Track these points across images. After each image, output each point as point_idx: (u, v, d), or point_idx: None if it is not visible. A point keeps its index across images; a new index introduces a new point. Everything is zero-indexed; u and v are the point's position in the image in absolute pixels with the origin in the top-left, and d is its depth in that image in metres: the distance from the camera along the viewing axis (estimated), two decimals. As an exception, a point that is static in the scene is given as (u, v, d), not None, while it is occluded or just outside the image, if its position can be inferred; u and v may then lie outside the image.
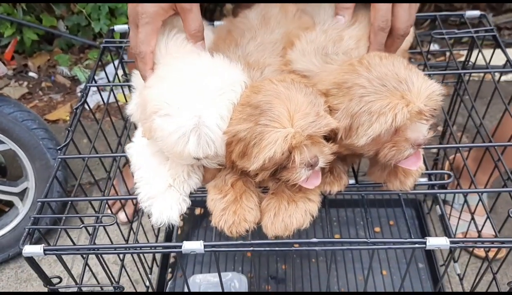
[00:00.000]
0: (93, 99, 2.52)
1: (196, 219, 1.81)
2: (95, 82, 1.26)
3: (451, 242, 0.86)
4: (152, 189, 0.92)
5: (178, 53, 0.96)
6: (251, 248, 0.89)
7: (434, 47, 2.64)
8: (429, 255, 1.63)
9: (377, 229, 1.74)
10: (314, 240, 0.88)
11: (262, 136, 0.76)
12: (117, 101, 1.58)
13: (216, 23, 1.30)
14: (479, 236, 1.22)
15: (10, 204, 1.86)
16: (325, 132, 0.79)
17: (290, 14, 1.08)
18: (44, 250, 0.90)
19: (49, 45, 2.78)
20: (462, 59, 1.42)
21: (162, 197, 0.90)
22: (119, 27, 1.37)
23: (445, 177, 1.76)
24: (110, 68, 2.27)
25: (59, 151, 1.05)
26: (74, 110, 1.14)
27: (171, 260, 1.70)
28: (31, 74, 2.67)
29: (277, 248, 0.90)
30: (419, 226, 1.75)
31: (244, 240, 0.89)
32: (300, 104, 0.77)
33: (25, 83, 2.63)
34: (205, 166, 0.91)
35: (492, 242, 0.89)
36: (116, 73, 1.38)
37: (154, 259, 1.64)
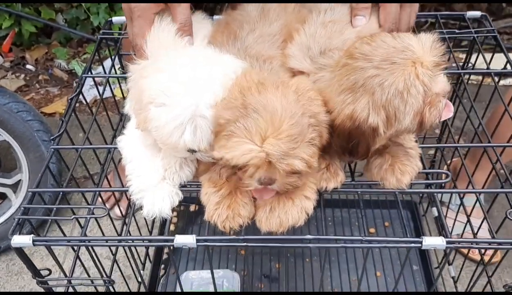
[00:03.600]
0: (90, 93, 2.51)
1: (191, 216, 1.80)
2: (91, 73, 1.24)
3: (448, 242, 0.84)
4: (144, 181, 0.90)
5: (171, 45, 0.96)
6: (244, 244, 0.87)
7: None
8: (424, 257, 1.62)
9: (372, 230, 1.73)
10: (309, 236, 0.86)
11: (232, 136, 0.76)
12: (114, 96, 1.57)
13: (215, 17, 1.28)
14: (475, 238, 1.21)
15: (3, 196, 1.84)
16: (291, 170, 0.77)
17: (290, 7, 1.07)
18: (33, 240, 0.88)
19: (47, 38, 2.76)
20: (461, 62, 1.42)
21: (154, 190, 0.89)
22: (117, 19, 1.36)
23: (442, 176, 1.75)
24: (108, 63, 2.25)
25: (52, 141, 1.03)
26: (69, 100, 1.13)
27: (164, 256, 1.69)
28: (28, 66, 2.65)
29: (270, 244, 0.89)
30: (414, 228, 1.74)
31: (237, 236, 0.87)
32: (285, 129, 0.75)
33: (22, 75, 2.61)
34: (198, 159, 0.90)
35: (489, 243, 0.88)
36: (113, 65, 1.37)
37: (147, 254, 1.62)
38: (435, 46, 0.79)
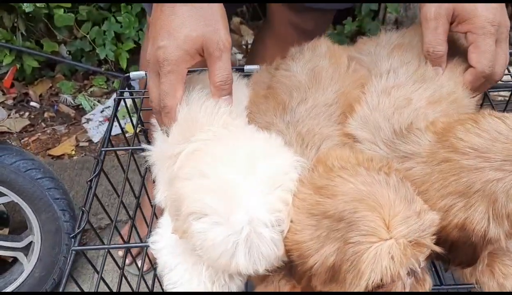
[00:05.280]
0: (99, 130, 2.36)
1: None
2: (111, 145, 1.08)
3: None
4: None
5: (211, 126, 0.79)
6: None
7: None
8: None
9: None
10: None
11: (359, 259, 0.60)
12: (123, 132, 1.39)
13: (247, 67, 1.13)
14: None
15: (14, 260, 1.69)
16: (431, 234, 0.63)
17: (343, 66, 0.91)
18: None
19: (51, 71, 2.61)
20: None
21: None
22: (136, 74, 1.20)
23: None
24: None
25: (72, 240, 0.88)
26: (88, 183, 0.97)
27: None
28: (32, 104, 2.50)
29: None
30: None
31: None
32: (394, 205, 0.61)
33: (26, 113, 2.46)
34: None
35: None
36: (133, 124, 1.21)
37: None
38: None
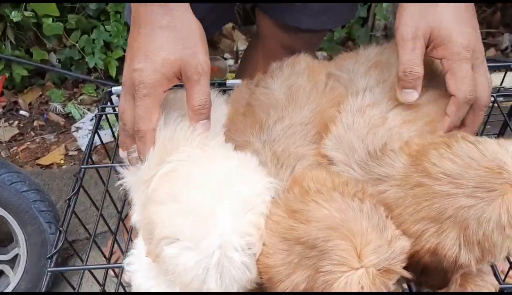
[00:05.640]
0: (88, 140, 2.35)
1: None
2: (92, 162, 1.08)
3: None
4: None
5: (186, 147, 0.79)
6: None
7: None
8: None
9: None
10: None
11: (329, 287, 0.60)
12: (116, 138, 1.38)
13: (229, 82, 1.12)
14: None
15: (0, 271, 1.68)
16: (402, 260, 0.63)
17: (321, 84, 0.91)
18: None
19: (41, 79, 2.60)
20: None
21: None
22: (118, 89, 1.19)
23: None
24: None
25: (49, 260, 0.87)
26: (66, 201, 0.97)
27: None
28: (22, 112, 2.49)
29: None
30: None
31: None
32: (367, 233, 0.61)
33: (16, 122, 2.45)
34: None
35: None
36: (115, 138, 1.20)
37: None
38: None
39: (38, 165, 2.23)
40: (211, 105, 0.82)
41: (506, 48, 2.81)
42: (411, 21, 0.78)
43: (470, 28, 0.77)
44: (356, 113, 0.82)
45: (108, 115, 1.19)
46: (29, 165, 2.24)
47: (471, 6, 0.80)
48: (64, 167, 2.24)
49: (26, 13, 2.18)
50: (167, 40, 0.78)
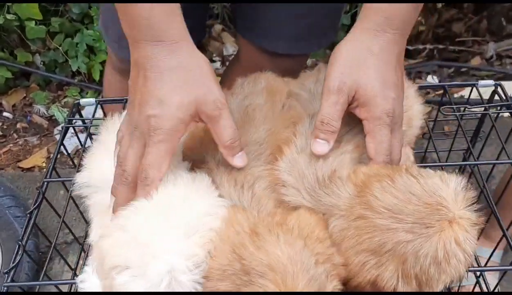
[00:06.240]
0: (71, 142, 2.35)
1: None
2: (58, 174, 1.09)
3: None
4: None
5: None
6: None
7: (434, 79, 2.50)
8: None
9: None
10: None
11: None
12: (72, 159, 1.41)
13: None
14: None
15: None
16: None
17: (278, 105, 0.92)
18: None
19: (25, 81, 2.60)
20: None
21: None
22: (85, 101, 1.21)
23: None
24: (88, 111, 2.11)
25: (6, 275, 0.88)
26: (28, 215, 0.97)
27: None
28: (5, 114, 2.50)
29: None
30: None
31: None
32: (301, 289, 0.61)
33: (-1, 124, 2.46)
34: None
35: None
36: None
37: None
38: (467, 197, 0.66)
39: (19, 167, 2.24)
40: (239, 136, 0.80)
41: (491, 57, 2.82)
42: (339, 75, 0.78)
43: (394, 93, 0.77)
44: (310, 136, 0.82)
45: (76, 127, 1.20)
46: (10, 167, 2.25)
47: (400, 65, 0.81)
48: (45, 170, 2.24)
49: (9, 16, 2.18)
50: (177, 83, 0.75)
